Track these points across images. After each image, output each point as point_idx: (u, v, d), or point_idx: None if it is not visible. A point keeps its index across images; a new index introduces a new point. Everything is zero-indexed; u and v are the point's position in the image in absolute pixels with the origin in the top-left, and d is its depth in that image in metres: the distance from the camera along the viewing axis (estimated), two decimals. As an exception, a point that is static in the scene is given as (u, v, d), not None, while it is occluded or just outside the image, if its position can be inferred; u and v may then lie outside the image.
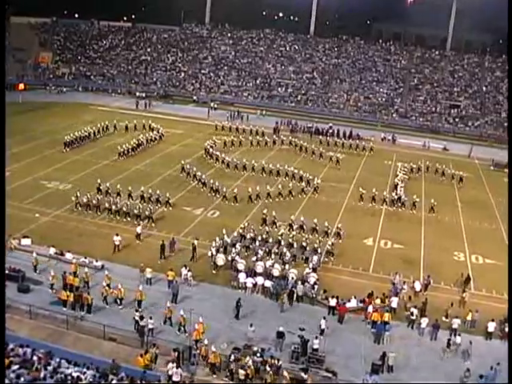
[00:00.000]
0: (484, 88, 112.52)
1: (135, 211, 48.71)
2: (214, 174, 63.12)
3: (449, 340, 33.66)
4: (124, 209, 49.06)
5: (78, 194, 50.16)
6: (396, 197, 58.33)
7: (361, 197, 58.25)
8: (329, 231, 48.35)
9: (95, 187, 53.22)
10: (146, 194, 52.74)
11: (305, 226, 48.63)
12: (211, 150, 70.23)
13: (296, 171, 63.63)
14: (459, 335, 34.01)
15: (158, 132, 77.48)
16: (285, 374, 28.63)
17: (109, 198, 51.60)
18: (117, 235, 42.82)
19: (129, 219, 48.42)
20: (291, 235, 46.29)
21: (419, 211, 57.03)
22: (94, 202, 49.99)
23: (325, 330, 33.71)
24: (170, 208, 52.02)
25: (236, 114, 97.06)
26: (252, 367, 28.82)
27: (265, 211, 50.73)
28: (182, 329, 32.87)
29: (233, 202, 54.78)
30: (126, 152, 67.21)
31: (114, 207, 49.33)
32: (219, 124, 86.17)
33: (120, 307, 35.23)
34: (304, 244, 44.59)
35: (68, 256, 40.05)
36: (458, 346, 33.57)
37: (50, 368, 23.97)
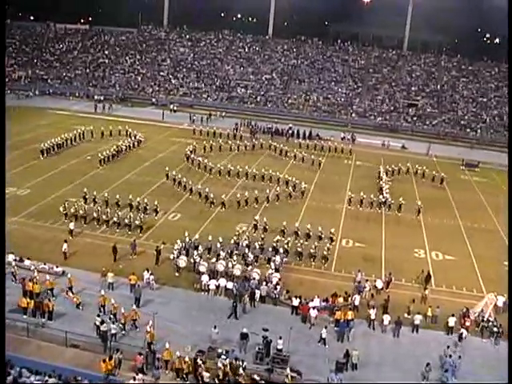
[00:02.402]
0: (440, 87, 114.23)
1: (126, 221, 47.87)
2: (198, 179, 62.76)
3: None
4: (115, 219, 48.08)
5: (66, 205, 49.14)
6: (383, 199, 58.68)
7: (349, 200, 58.70)
8: (322, 236, 48.13)
9: (81, 196, 52.26)
10: (134, 202, 52.00)
11: (299, 232, 48.55)
12: (192, 155, 69.57)
13: (281, 176, 63.73)
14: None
15: (136, 138, 76.32)
16: (240, 371, 28.63)
17: (97, 207, 50.29)
18: (65, 242, 42.12)
19: (118, 230, 47.53)
20: (286, 241, 45.98)
21: (381, 209, 57.75)
22: (81, 212, 48.85)
23: (326, 340, 33.76)
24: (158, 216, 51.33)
25: (208, 116, 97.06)
26: (226, 368, 28.71)
27: (257, 217, 50.65)
28: (113, 317, 32.70)
29: (221, 208, 54.33)
30: (106, 159, 66.16)
31: (104, 217, 48.35)
32: (197, 128, 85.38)
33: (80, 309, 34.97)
34: (274, 244, 44.69)
35: (27, 263, 39.42)
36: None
37: (10, 378, 23.48)
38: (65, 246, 41.78)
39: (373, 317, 36.04)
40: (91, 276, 38.88)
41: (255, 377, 28.68)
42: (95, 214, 48.68)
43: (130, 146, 73.07)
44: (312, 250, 44.52)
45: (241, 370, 28.63)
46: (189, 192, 57.68)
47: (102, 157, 65.80)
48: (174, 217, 51.83)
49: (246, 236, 46.81)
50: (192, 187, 57.95)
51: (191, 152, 70.45)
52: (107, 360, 28.29)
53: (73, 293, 35.46)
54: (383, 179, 65.64)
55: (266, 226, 49.18)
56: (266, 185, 61.67)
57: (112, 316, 32.94)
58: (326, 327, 34.25)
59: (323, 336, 33.72)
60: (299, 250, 44.80)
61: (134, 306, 34.27)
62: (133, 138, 76.04)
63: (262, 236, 46.36)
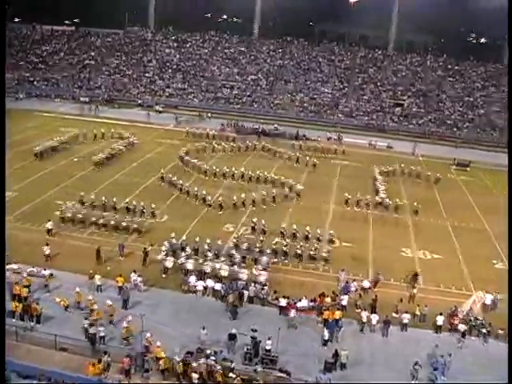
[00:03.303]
0: (426, 87, 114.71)
1: (123, 224, 47.49)
2: (194, 180, 62.55)
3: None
4: (112, 222, 47.68)
5: (63, 208, 48.76)
6: (379, 200, 58.75)
7: (346, 202, 58.67)
8: (321, 238, 48.07)
9: (78, 200, 51.75)
10: (131, 205, 51.64)
11: (298, 234, 48.36)
12: (186, 157, 69.23)
13: (276, 177, 63.57)
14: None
15: (129, 140, 75.85)
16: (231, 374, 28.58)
17: (95, 211, 50.01)
18: (47, 245, 41.82)
19: (117, 233, 47.04)
20: (284, 243, 45.99)
21: (363, 209, 57.91)
22: (79, 215, 48.32)
23: (328, 342, 33.71)
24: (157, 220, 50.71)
25: (198, 117, 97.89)
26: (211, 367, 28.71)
27: (254, 220, 50.46)
28: (126, 342, 32.22)
29: (219, 210, 53.99)
30: (101, 161, 65.63)
31: (101, 221, 47.88)
32: (190, 130, 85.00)
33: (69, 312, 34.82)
34: (274, 247, 44.87)
35: (14, 266, 39.13)
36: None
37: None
38: (46, 248, 41.49)
39: (364, 319, 35.91)
40: (79, 278, 38.59)
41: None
42: (93, 218, 48.11)
43: (123, 148, 72.43)
44: (312, 252, 44.47)
45: (230, 373, 28.63)
46: (186, 194, 57.32)
47: (98, 159, 65.35)
48: (161, 218, 51.62)
49: (246, 238, 46.44)
50: (189, 189, 57.66)
51: (185, 153, 70.22)
52: (96, 363, 28.17)
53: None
54: (378, 180, 65.69)
55: (265, 228, 49.02)
56: (262, 186, 61.32)
57: (89, 312, 33.00)
58: (327, 328, 34.18)
59: (325, 338, 33.67)
60: (298, 252, 44.75)
61: (148, 334, 33.89)
62: (126, 141, 75.43)
63: (261, 239, 46.15)
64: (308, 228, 48.80)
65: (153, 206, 51.46)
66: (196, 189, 57.33)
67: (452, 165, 79.85)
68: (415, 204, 58.14)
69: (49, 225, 45.71)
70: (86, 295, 35.48)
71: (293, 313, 35.68)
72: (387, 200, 58.78)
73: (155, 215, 51.07)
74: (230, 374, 28.58)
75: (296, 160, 73.87)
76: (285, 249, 44.92)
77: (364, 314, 36.00)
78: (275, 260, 43.84)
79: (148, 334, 31.27)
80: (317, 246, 45.47)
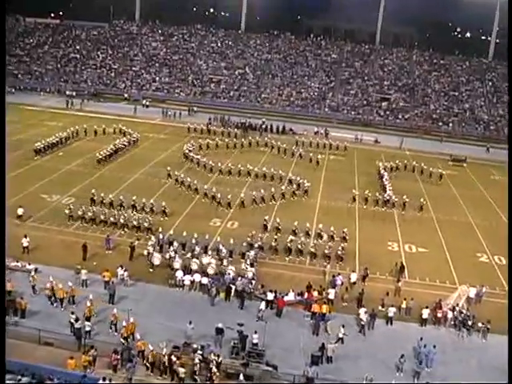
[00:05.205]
0: (412, 81, 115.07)
1: (134, 222, 46.88)
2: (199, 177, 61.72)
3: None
4: (122, 221, 47.11)
5: (72, 207, 48.21)
6: (387, 197, 58.65)
7: (354, 198, 58.72)
8: (334, 235, 47.78)
9: (89, 198, 51.07)
10: (139, 204, 51.03)
11: (311, 232, 48.53)
12: (191, 154, 68.79)
13: (284, 174, 63.57)
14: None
15: (131, 136, 75.02)
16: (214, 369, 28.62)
17: (103, 209, 49.41)
18: (25, 237, 41.50)
19: (126, 231, 46.61)
20: (299, 241, 45.78)
21: (354, 204, 58.12)
22: (89, 214, 47.76)
23: (343, 339, 33.60)
24: (166, 218, 50.05)
25: (192, 110, 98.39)
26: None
27: (266, 217, 50.37)
28: (114, 327, 32.44)
29: (226, 208, 53.61)
30: (104, 158, 65.00)
31: (112, 219, 47.32)
32: (191, 126, 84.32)
33: (62, 309, 34.69)
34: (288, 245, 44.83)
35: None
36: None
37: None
38: (24, 240, 41.30)
39: (364, 321, 35.33)
40: (65, 272, 38.36)
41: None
42: (102, 217, 47.60)
43: (126, 144, 71.80)
44: (327, 251, 44.28)
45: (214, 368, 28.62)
46: (194, 192, 56.90)
47: (100, 156, 64.78)
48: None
49: (259, 237, 46.02)
50: (197, 187, 57.24)
51: (190, 151, 69.73)
52: (74, 356, 28.11)
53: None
54: (385, 176, 65.52)
55: (279, 226, 48.73)
56: (272, 184, 61.08)
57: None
58: (343, 326, 34.07)
59: (340, 336, 33.57)
60: (312, 250, 44.73)
61: (115, 310, 33.93)
62: (128, 137, 74.56)
63: (275, 237, 46.03)
64: (321, 226, 48.82)
65: (163, 204, 50.81)
66: (206, 187, 57.10)
67: (449, 161, 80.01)
68: (421, 200, 58.38)
69: (19, 211, 46.24)
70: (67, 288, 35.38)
71: (263, 306, 35.68)
72: (394, 197, 58.64)
73: (166, 213, 50.37)
74: (214, 369, 28.52)
75: (300, 155, 74.30)
76: (300, 247, 44.81)
77: (364, 317, 35.44)
78: (262, 254, 43.87)
79: (124, 323, 31.39)
80: (331, 245, 45.20)
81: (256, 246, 44.06)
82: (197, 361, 28.83)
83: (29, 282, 36.00)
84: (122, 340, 30.73)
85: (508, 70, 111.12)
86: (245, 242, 44.39)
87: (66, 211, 47.78)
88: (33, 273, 36.89)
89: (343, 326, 34.05)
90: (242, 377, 28.58)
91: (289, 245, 44.89)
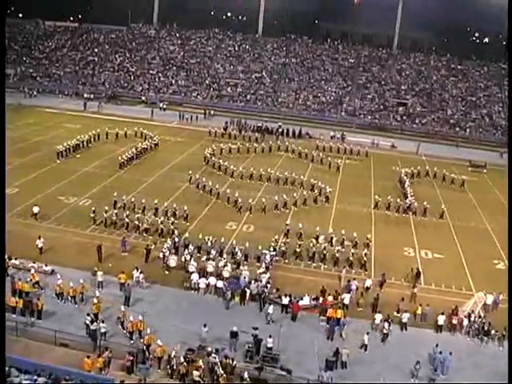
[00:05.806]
0: (430, 86, 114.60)
1: (161, 226, 46.89)
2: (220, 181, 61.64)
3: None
4: (145, 225, 47.28)
5: (95, 210, 48.44)
6: (408, 203, 58.35)
7: (376, 204, 58.63)
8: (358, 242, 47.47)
9: (112, 202, 51.04)
10: (162, 208, 51.29)
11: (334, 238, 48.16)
12: (213, 158, 68.79)
13: (305, 179, 63.54)
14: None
15: (152, 140, 74.98)
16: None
17: (127, 213, 48.99)
18: (39, 238, 41.78)
19: (149, 236, 46.54)
20: (323, 247, 45.51)
21: (375, 209, 57.91)
22: (113, 218, 47.95)
23: (367, 346, 33.60)
24: (188, 223, 49.85)
25: (209, 114, 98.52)
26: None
27: (288, 222, 50.44)
28: (121, 325, 32.67)
29: (249, 213, 53.57)
30: (126, 162, 65.07)
31: (136, 223, 47.32)
32: (212, 130, 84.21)
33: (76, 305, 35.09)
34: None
35: (16, 262, 39.11)
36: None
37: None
38: (38, 241, 41.57)
39: (386, 329, 34.93)
40: (81, 274, 38.46)
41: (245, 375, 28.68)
42: (127, 220, 47.66)
43: (147, 148, 71.82)
44: (351, 258, 44.15)
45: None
46: (215, 196, 56.95)
47: (122, 160, 64.76)
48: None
49: (283, 243, 46.09)
50: (219, 191, 57.33)
51: (211, 155, 69.60)
52: (96, 357, 28.24)
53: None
54: (406, 183, 65.10)
55: (301, 231, 48.29)
56: (293, 189, 61.36)
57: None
58: (367, 333, 34.03)
59: (365, 342, 33.57)
60: (337, 255, 44.43)
61: (123, 307, 34.11)
62: (149, 141, 74.51)
63: (299, 243, 45.75)
64: (343, 231, 48.41)
65: (185, 208, 50.71)
66: (228, 191, 57.17)
67: (468, 166, 79.39)
68: (442, 207, 58.12)
69: (34, 209, 47.06)
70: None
71: (270, 309, 35.82)
72: (415, 204, 58.30)
73: (188, 218, 50.31)
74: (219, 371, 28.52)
75: (320, 161, 73.87)
76: (325, 252, 44.62)
77: (386, 325, 35.06)
78: (277, 258, 43.89)
79: (148, 331, 31.37)
80: (354, 251, 45.00)
81: (279, 250, 44.23)
82: (211, 364, 28.91)
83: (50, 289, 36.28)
84: (127, 334, 30.88)
85: (508, 70, 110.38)
86: (267, 246, 44.07)
87: (91, 214, 47.89)
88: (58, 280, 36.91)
89: (367, 333, 33.96)
90: (246, 375, 28.65)
91: (313, 250, 44.80)
